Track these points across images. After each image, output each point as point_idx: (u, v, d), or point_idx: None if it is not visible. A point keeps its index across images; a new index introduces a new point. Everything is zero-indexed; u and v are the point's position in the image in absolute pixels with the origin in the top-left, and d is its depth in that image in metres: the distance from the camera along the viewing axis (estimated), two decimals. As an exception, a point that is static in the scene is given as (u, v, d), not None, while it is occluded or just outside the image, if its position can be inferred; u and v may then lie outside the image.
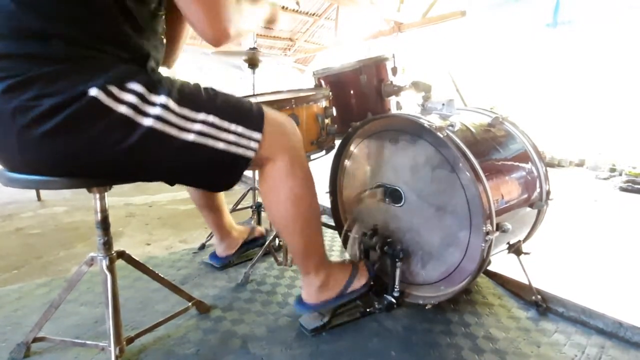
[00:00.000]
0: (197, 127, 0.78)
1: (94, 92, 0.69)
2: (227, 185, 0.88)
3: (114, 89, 0.71)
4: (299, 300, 1.11)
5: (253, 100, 1.34)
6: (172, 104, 0.75)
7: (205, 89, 0.84)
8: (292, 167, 0.92)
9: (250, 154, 0.84)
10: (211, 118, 0.79)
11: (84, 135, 0.71)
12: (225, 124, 0.81)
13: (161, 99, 0.75)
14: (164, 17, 0.87)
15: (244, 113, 0.85)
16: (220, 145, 0.80)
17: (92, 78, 0.70)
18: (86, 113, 0.70)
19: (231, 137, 0.81)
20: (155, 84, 0.76)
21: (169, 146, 0.76)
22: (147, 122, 0.73)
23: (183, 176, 0.86)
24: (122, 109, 0.71)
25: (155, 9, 0.81)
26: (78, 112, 0.69)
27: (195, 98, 0.80)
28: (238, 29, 0.80)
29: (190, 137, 0.77)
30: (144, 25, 0.79)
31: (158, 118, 0.74)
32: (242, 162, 0.84)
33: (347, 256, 1.48)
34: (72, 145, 0.72)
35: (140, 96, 0.73)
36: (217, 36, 0.76)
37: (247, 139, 0.83)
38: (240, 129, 0.82)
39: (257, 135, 0.84)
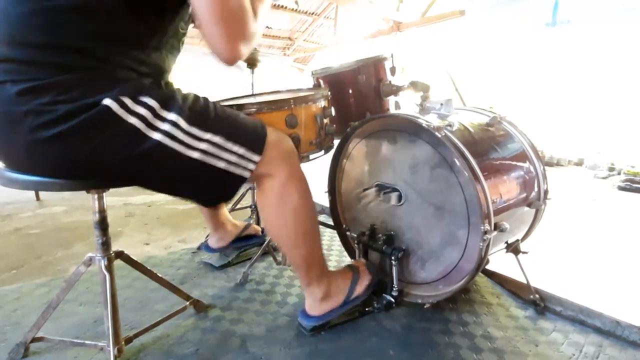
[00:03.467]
0: (203, 145, 0.80)
1: (107, 101, 0.71)
2: (219, 202, 0.91)
3: (127, 100, 0.73)
4: (303, 312, 1.10)
5: (252, 100, 1.34)
6: (182, 122, 0.77)
7: (215, 106, 0.86)
8: (289, 183, 0.94)
9: (246, 174, 0.86)
10: (217, 138, 0.81)
11: (92, 141, 0.73)
12: (228, 145, 0.82)
13: (172, 116, 0.76)
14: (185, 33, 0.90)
15: (248, 134, 0.87)
16: (221, 165, 0.83)
17: (107, 89, 0.72)
18: (97, 121, 0.71)
19: (232, 158, 0.83)
20: (168, 100, 0.77)
21: (172, 161, 0.78)
22: (156, 136, 0.75)
23: (177, 188, 0.88)
24: (133, 120, 0.73)
25: (182, 27, 0.85)
26: (89, 119, 0.71)
27: (205, 117, 0.82)
28: (251, 48, 0.82)
29: (195, 154, 0.79)
30: (166, 43, 0.82)
31: (167, 134, 0.76)
32: (237, 182, 0.86)
33: (345, 254, 1.48)
34: (79, 149, 0.73)
35: (152, 110, 0.75)
36: (232, 57, 0.77)
37: (247, 160, 0.85)
38: (242, 150, 0.84)
39: (256, 157, 0.86)
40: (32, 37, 0.70)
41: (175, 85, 0.89)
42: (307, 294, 1.09)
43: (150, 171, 0.81)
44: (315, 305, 1.08)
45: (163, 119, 0.76)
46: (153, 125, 0.75)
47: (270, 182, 0.93)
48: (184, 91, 0.85)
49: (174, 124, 0.76)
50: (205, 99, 0.87)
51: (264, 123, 0.93)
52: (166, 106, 0.77)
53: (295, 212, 0.96)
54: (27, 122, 0.70)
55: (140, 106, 0.74)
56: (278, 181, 0.93)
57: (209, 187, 0.87)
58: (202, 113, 0.82)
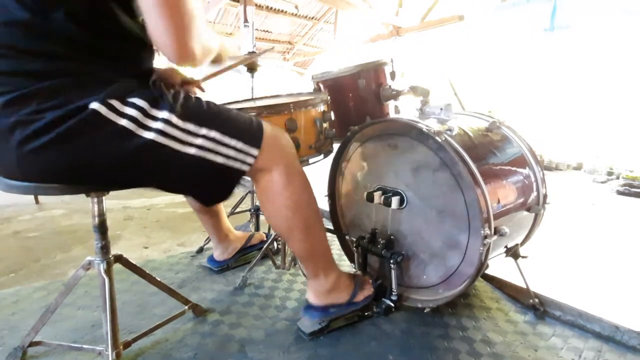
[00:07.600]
0: (199, 141, 0.80)
1: (95, 105, 0.70)
2: (219, 199, 0.91)
3: (116, 103, 0.72)
4: (306, 308, 1.11)
5: (252, 104, 1.34)
6: (175, 119, 0.77)
7: (208, 103, 0.86)
8: (288, 176, 0.94)
9: (245, 168, 0.87)
10: (213, 133, 0.81)
11: (83, 146, 0.72)
12: (226, 139, 0.83)
13: (163, 114, 0.76)
14: None
15: (244, 129, 0.87)
16: (219, 160, 0.83)
17: (93, 92, 0.71)
18: (86, 125, 0.71)
19: (230, 152, 0.84)
20: (157, 99, 0.77)
21: (169, 159, 0.78)
22: (149, 135, 0.75)
23: (178, 186, 0.88)
24: (123, 122, 0.73)
25: (143, 20, 0.82)
26: (78, 125, 0.70)
27: (199, 113, 0.82)
28: (205, 50, 0.78)
29: (192, 150, 0.79)
30: (138, 40, 0.80)
31: (160, 132, 0.75)
32: (237, 176, 0.87)
33: (345, 258, 1.48)
34: (72, 156, 0.73)
35: (142, 110, 0.74)
36: (181, 53, 0.70)
37: (245, 154, 0.86)
38: (240, 144, 0.84)
39: (254, 151, 0.87)
40: (10, 47, 0.69)
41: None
42: (313, 285, 1.09)
43: (148, 171, 0.80)
44: (322, 296, 1.08)
45: (154, 118, 0.75)
46: (145, 125, 0.74)
47: (269, 178, 0.93)
48: (175, 92, 0.82)
49: (167, 122, 0.76)
50: (198, 97, 0.86)
51: (260, 119, 0.93)
52: (156, 105, 0.76)
53: (295, 206, 0.96)
54: (15, 135, 0.69)
55: (129, 107, 0.73)
56: (276, 176, 0.93)
57: (209, 182, 0.87)
58: (195, 109, 0.82)
